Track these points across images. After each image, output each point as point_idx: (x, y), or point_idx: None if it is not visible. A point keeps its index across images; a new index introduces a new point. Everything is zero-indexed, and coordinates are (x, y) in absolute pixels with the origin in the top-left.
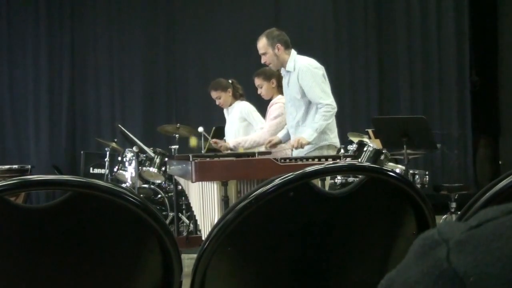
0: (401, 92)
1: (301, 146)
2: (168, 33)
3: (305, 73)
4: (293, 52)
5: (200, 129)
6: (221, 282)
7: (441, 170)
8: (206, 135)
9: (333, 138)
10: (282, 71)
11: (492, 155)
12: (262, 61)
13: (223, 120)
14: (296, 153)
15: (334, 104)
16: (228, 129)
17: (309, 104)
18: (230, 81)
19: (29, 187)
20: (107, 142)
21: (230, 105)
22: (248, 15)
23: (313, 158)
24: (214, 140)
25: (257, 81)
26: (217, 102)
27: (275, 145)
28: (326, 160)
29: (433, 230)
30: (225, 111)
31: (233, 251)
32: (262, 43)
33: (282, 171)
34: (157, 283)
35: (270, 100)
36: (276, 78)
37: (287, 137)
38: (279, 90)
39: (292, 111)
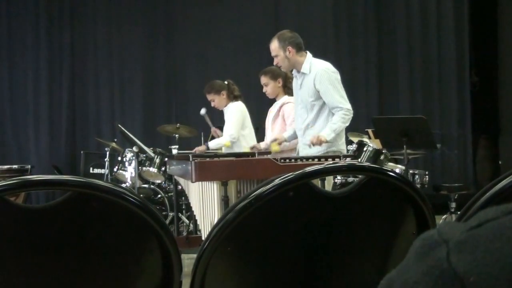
0: (401, 92)
1: (320, 143)
2: (168, 33)
3: (323, 77)
4: (309, 54)
5: (203, 111)
6: (221, 282)
7: (441, 170)
8: (208, 121)
9: (341, 144)
10: (294, 73)
11: (492, 155)
12: (274, 63)
13: (223, 120)
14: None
15: (351, 110)
16: (225, 129)
17: (321, 107)
18: (226, 82)
19: (29, 187)
20: (107, 142)
21: (226, 106)
22: (248, 15)
23: (313, 158)
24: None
25: (263, 80)
26: (212, 104)
27: (279, 143)
28: (326, 160)
29: (433, 230)
30: (224, 110)
31: (233, 251)
32: (273, 46)
33: (282, 171)
34: (157, 283)
35: (273, 99)
36: (282, 78)
37: (293, 137)
38: (284, 90)
39: (303, 113)
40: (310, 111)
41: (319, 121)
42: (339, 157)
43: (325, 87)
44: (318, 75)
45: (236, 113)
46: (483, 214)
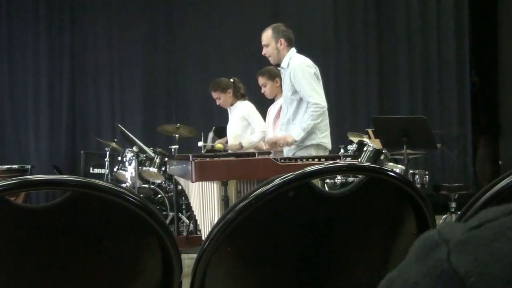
0: (401, 92)
1: (287, 144)
2: (168, 33)
3: (296, 71)
4: (292, 50)
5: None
6: (221, 282)
7: (441, 170)
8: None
9: (322, 138)
10: (280, 68)
11: (492, 155)
12: (263, 53)
13: (223, 120)
14: (285, 152)
15: (323, 103)
16: (230, 128)
17: (299, 102)
18: (231, 80)
19: (29, 187)
20: (107, 142)
21: (232, 104)
22: (248, 15)
23: (313, 158)
24: (219, 142)
25: (261, 80)
26: (218, 102)
27: (273, 144)
28: (326, 160)
29: (433, 230)
30: (228, 110)
31: (233, 251)
32: (266, 35)
33: (282, 171)
34: (157, 283)
35: (272, 99)
36: (280, 77)
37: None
38: None
39: (284, 108)
40: (290, 106)
41: (298, 115)
42: (339, 157)
43: (297, 80)
44: (292, 69)
45: (255, 112)
46: (483, 214)
